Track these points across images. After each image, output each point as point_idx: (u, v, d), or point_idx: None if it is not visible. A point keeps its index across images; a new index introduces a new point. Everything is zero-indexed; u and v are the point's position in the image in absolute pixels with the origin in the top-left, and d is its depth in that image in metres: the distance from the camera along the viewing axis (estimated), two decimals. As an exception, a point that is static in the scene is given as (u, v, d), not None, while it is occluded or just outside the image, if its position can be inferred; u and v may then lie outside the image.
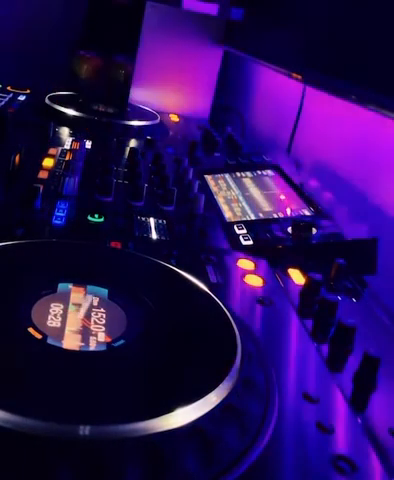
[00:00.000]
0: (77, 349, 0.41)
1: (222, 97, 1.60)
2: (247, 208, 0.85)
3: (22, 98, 1.33)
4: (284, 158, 1.07)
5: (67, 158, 0.92)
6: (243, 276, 0.63)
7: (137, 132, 1.19)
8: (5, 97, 1.30)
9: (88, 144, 1.04)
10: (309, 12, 1.02)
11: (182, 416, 0.35)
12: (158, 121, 1.28)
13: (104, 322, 0.45)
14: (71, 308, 0.46)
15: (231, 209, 0.85)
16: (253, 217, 0.82)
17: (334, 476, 0.36)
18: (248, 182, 0.96)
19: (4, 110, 1.18)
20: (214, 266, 0.64)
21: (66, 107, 1.19)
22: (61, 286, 0.49)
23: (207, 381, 0.39)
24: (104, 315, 0.46)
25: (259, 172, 0.99)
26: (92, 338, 0.42)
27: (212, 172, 1.01)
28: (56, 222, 0.69)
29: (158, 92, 1.50)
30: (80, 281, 0.50)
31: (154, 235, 0.71)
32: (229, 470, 0.34)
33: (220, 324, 0.47)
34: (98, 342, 0.42)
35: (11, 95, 1.33)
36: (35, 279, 0.49)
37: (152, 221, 0.75)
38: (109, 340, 0.42)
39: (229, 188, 0.94)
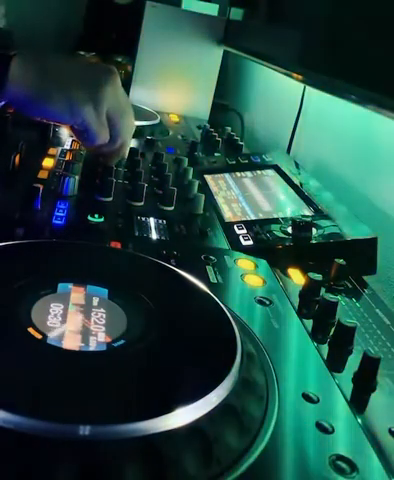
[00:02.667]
0: (77, 349, 0.41)
1: (222, 97, 1.60)
2: (247, 208, 0.85)
3: (22, 98, 1.33)
4: (284, 158, 1.07)
5: (67, 158, 0.92)
6: (243, 276, 0.63)
7: (137, 132, 1.19)
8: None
9: (88, 144, 1.04)
10: (309, 12, 1.02)
11: (182, 416, 0.35)
12: (158, 121, 1.28)
13: (104, 322, 0.45)
14: (71, 308, 0.46)
15: (231, 209, 0.85)
16: (253, 217, 0.82)
17: (334, 476, 0.36)
18: (248, 182, 0.96)
19: (4, 110, 1.18)
20: (214, 266, 0.64)
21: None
22: (61, 286, 0.49)
23: (207, 381, 0.38)
24: (104, 315, 0.46)
25: (259, 172, 0.99)
26: (92, 338, 0.42)
27: (212, 172, 1.01)
28: (56, 222, 0.69)
29: (158, 92, 1.50)
30: (80, 281, 0.50)
31: (154, 235, 0.71)
32: (229, 470, 0.34)
33: (220, 324, 0.47)
34: (98, 342, 0.42)
35: (11, 95, 1.33)
36: (35, 279, 0.49)
37: (152, 221, 0.75)
38: (109, 340, 0.42)
39: (229, 188, 0.94)
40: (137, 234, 0.70)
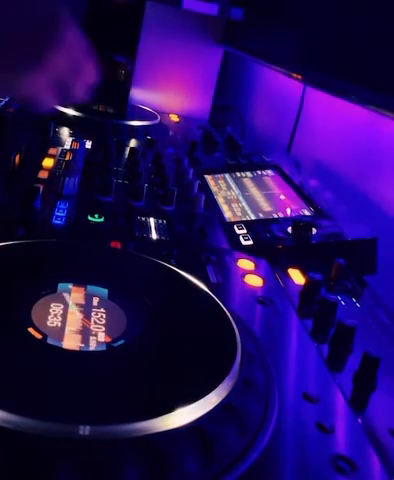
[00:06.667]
0: (77, 349, 0.41)
1: (222, 97, 1.60)
2: (247, 208, 0.85)
3: (22, 98, 1.33)
4: (284, 158, 1.07)
5: (67, 158, 0.92)
6: (243, 276, 0.63)
7: (137, 132, 1.19)
8: (5, 97, 1.30)
9: (88, 144, 1.04)
10: (309, 12, 1.02)
11: (182, 416, 0.35)
12: (158, 121, 1.28)
13: (104, 322, 0.45)
14: (71, 308, 0.46)
15: (231, 209, 0.85)
16: (253, 217, 0.82)
17: (334, 476, 0.36)
18: (248, 182, 0.96)
19: (4, 110, 1.18)
20: (214, 266, 0.64)
21: (66, 107, 1.19)
22: (61, 286, 0.49)
23: (207, 381, 0.39)
24: (104, 315, 0.46)
25: (259, 172, 0.99)
26: (92, 338, 0.42)
27: (212, 172, 1.01)
28: (56, 222, 0.69)
29: (158, 92, 1.50)
30: (80, 281, 0.50)
31: (154, 235, 0.71)
32: (229, 470, 0.34)
33: (220, 324, 0.47)
34: (98, 342, 0.42)
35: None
36: (35, 279, 0.49)
37: (152, 221, 0.75)
38: (109, 340, 0.42)
39: (229, 188, 0.94)
40: (137, 234, 0.70)
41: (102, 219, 0.72)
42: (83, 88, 0.59)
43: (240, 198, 0.89)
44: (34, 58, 0.49)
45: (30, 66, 0.49)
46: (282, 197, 0.89)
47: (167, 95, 1.51)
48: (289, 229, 0.75)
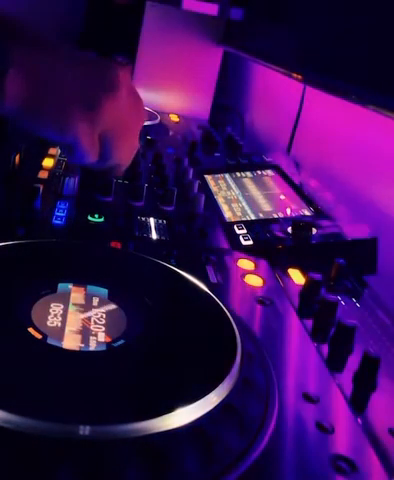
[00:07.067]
0: (77, 349, 0.41)
1: (222, 97, 1.60)
2: (247, 208, 0.85)
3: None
4: (284, 158, 1.07)
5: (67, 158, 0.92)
6: (243, 276, 0.63)
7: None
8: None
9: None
10: (309, 12, 1.02)
11: (182, 416, 0.35)
12: (158, 121, 1.28)
13: (104, 322, 0.45)
14: (71, 308, 0.46)
15: (231, 209, 0.85)
16: (253, 217, 0.82)
17: (334, 476, 0.36)
18: (248, 182, 0.96)
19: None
20: (214, 266, 0.64)
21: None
22: (61, 286, 0.49)
23: (207, 381, 0.39)
24: (104, 315, 0.46)
25: (259, 172, 0.99)
26: (92, 338, 0.42)
27: (212, 172, 1.01)
28: (56, 222, 0.69)
29: (158, 92, 1.50)
30: (80, 281, 0.50)
31: (154, 235, 0.71)
32: (229, 470, 0.34)
33: (220, 324, 0.47)
34: (98, 342, 0.42)
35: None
36: (35, 279, 0.49)
37: (152, 221, 0.75)
38: (109, 340, 0.42)
39: (229, 188, 0.94)
40: (137, 234, 0.70)
41: (102, 219, 0.72)
42: (124, 154, 0.62)
43: (240, 198, 0.89)
44: (90, 108, 0.52)
45: (85, 114, 0.52)
46: (282, 197, 0.89)
47: (167, 95, 1.51)
48: (289, 229, 0.75)
